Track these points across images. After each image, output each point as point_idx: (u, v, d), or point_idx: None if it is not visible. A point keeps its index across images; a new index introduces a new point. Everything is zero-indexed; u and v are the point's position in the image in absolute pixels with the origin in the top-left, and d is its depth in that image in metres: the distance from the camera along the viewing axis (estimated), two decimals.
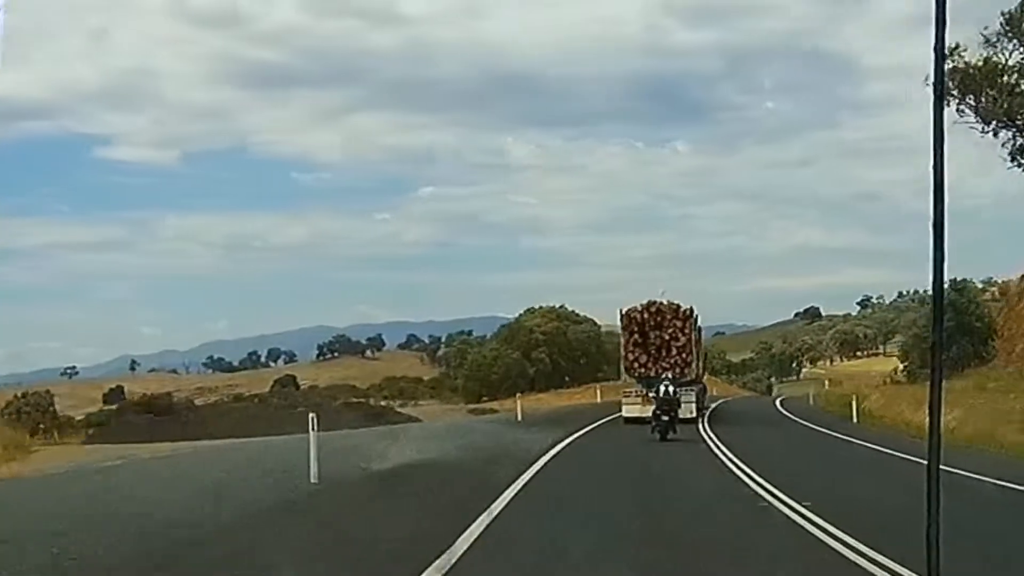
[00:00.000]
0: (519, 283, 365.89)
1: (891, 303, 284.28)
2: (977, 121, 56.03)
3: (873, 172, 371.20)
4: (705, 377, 56.14)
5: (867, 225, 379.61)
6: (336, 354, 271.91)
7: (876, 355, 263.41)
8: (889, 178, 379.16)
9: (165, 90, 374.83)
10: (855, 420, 47.21)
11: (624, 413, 41.86)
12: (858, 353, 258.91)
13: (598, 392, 79.41)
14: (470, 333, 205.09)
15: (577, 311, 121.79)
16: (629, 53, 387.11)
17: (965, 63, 55.15)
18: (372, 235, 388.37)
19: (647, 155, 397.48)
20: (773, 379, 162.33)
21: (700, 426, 40.63)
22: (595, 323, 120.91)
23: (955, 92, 54.80)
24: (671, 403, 34.58)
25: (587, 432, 38.95)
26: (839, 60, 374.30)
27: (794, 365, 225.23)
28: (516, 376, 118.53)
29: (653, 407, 34.72)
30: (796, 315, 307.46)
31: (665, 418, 33.77)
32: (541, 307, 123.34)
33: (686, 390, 39.99)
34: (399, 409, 76.28)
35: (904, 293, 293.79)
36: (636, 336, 42.32)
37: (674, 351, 41.68)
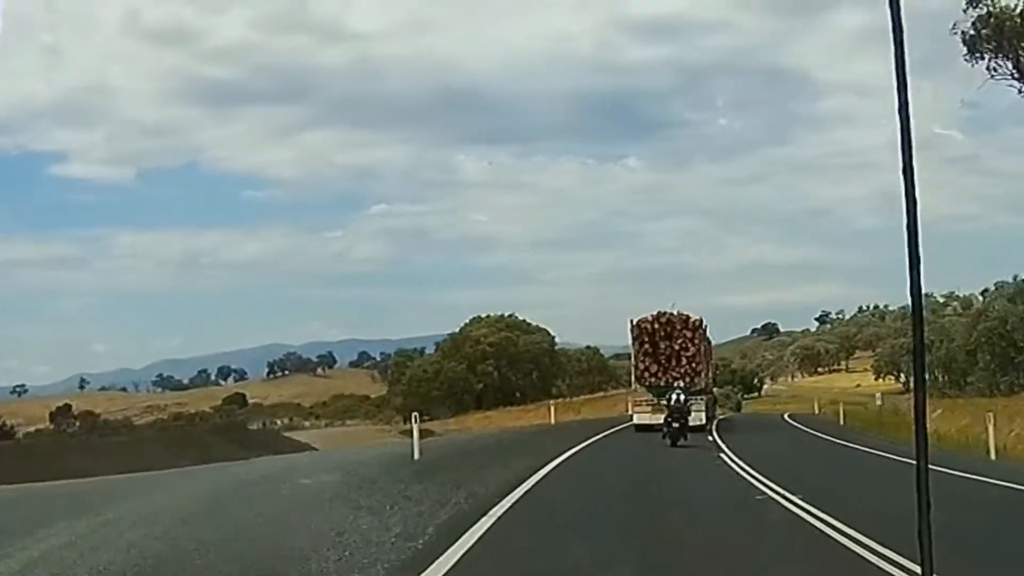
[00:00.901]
0: (472, 300, 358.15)
1: (851, 318, 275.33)
2: (1016, 78, 43.98)
3: (826, 188, 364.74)
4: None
5: (821, 241, 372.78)
6: (287, 372, 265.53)
7: (838, 371, 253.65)
8: (842, 194, 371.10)
9: (118, 107, 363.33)
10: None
11: (635, 421, 42.18)
12: (819, 369, 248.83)
13: (551, 411, 64.96)
14: (422, 351, 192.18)
15: (528, 320, 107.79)
16: (580, 69, 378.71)
17: (1001, 9, 43.51)
18: (325, 252, 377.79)
19: (599, 172, 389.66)
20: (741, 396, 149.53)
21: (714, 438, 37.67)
22: (548, 333, 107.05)
23: (988, 45, 43.14)
24: (682, 411, 34.87)
25: (537, 488, 19.57)
26: (792, 76, 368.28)
27: (756, 381, 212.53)
28: (461, 392, 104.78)
29: (665, 415, 35.05)
30: (753, 331, 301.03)
31: (676, 425, 34.30)
32: (488, 316, 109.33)
33: (696, 399, 39.58)
34: (292, 435, 61.48)
35: (864, 308, 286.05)
36: (647, 346, 42.02)
37: (684, 361, 41.41)
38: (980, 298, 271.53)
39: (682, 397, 35.24)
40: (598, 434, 39.93)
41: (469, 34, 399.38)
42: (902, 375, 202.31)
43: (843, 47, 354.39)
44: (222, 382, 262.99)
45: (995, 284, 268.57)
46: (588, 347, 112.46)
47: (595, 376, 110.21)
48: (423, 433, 76.45)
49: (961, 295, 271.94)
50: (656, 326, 42.42)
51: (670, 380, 39.81)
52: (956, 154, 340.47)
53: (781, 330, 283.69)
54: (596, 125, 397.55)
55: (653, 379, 41.60)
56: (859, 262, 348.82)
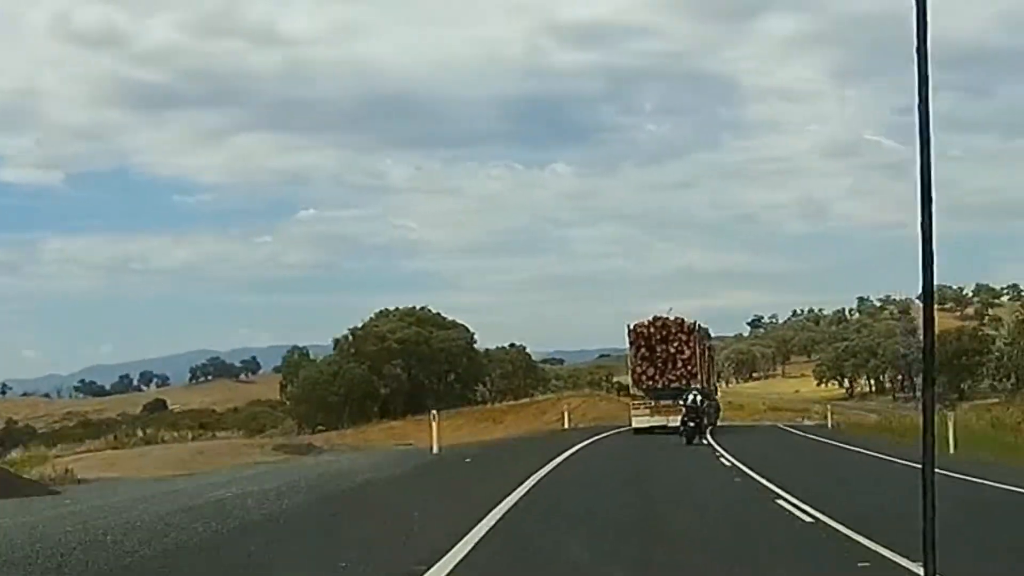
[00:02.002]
0: (402, 306, 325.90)
1: (785, 322, 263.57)
2: None
3: (754, 194, 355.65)
4: (719, 394, 52.01)
5: (749, 246, 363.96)
6: (209, 377, 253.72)
7: (774, 376, 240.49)
8: (770, 200, 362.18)
9: (48, 111, 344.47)
10: None
11: (633, 424, 42.20)
12: (755, 374, 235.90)
13: (433, 427, 48.01)
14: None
15: (443, 314, 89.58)
16: (510, 74, 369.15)
17: None
18: (253, 258, 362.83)
19: (527, 177, 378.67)
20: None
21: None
22: (466, 329, 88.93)
23: None
24: (698, 411, 36.71)
25: None
26: (720, 82, 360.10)
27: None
28: (363, 397, 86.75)
29: (682, 415, 36.17)
30: None
31: (692, 424, 36.02)
32: (398, 308, 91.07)
33: None
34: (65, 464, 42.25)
35: (799, 312, 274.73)
36: (643, 350, 42.21)
37: (679, 363, 41.60)
38: (916, 302, 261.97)
39: (698, 398, 36.92)
40: (526, 481, 21.42)
41: (399, 39, 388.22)
42: (846, 380, 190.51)
43: (771, 53, 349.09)
44: (144, 388, 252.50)
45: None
46: (513, 345, 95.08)
47: (521, 379, 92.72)
48: (293, 450, 56.21)
49: (898, 299, 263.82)
50: (652, 330, 42.14)
51: (666, 383, 40.54)
52: (888, 160, 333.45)
53: (712, 335, 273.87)
54: (525, 130, 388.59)
55: (650, 382, 41.43)
56: (787, 268, 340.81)
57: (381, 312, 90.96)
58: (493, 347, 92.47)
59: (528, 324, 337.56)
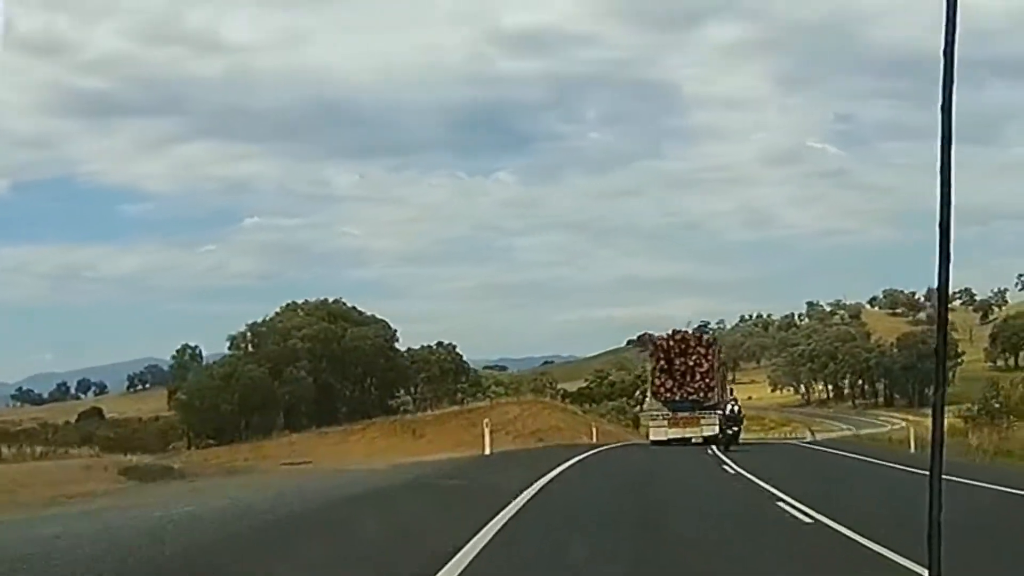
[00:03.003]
0: (312, 298, 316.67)
1: (733, 328, 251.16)
2: None
3: (697, 202, 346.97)
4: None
5: (693, 254, 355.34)
6: (147, 385, 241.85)
7: None
8: (713, 208, 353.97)
9: None
10: None
11: (651, 436, 41.57)
12: None
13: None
14: None
15: (360, 308, 74.26)
16: (453, 82, 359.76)
17: None
18: (199, 267, 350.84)
19: (471, 185, 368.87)
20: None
21: None
22: (387, 326, 73.69)
23: None
24: (735, 420, 36.44)
25: None
26: (664, 90, 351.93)
27: (637, 394, 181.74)
28: (262, 405, 71.57)
29: (719, 424, 37.02)
30: (629, 342, 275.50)
31: (730, 432, 35.92)
32: (307, 301, 75.69)
33: (709, 414, 39.81)
34: None
35: (747, 318, 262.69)
36: (662, 362, 41.57)
37: (698, 376, 40.96)
38: (868, 307, 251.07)
39: (736, 408, 37.29)
40: None
41: (342, 47, 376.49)
42: (801, 386, 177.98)
43: (714, 61, 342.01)
44: (82, 396, 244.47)
45: (883, 292, 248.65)
46: (441, 344, 79.74)
47: (451, 383, 77.78)
48: (143, 475, 40.63)
49: (848, 303, 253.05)
50: (671, 343, 41.94)
51: (685, 395, 40.44)
52: (831, 167, 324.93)
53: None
54: (469, 138, 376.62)
55: (668, 394, 41.00)
56: (732, 275, 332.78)
57: (288, 305, 75.77)
58: (418, 347, 77.66)
59: (472, 332, 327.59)
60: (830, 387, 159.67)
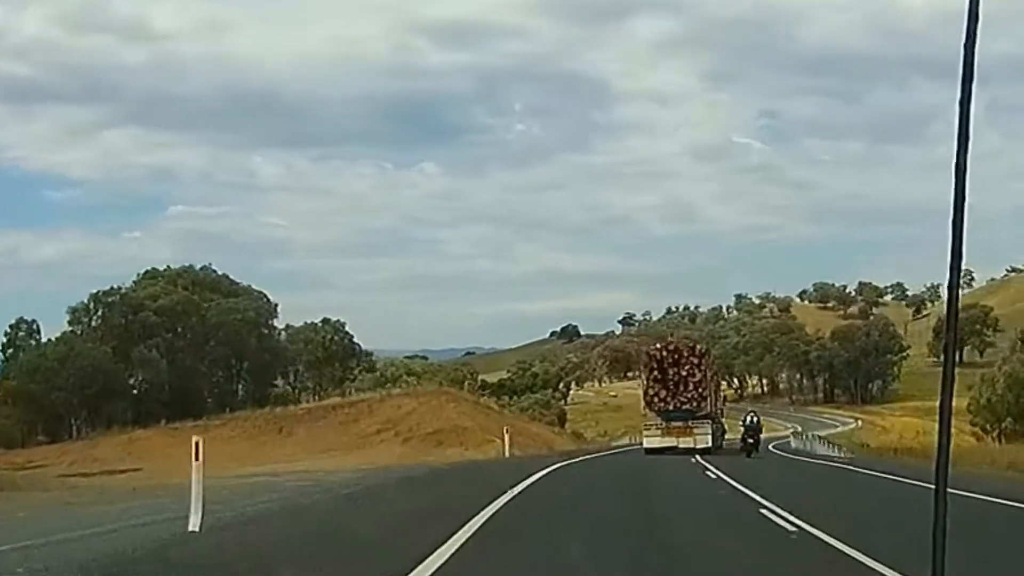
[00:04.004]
0: (175, 265, 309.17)
1: (660, 319, 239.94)
2: None
3: (623, 196, 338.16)
4: (725, 416, 50.60)
5: (618, 249, 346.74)
6: None
7: None
8: (638, 202, 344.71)
9: None
10: None
11: (645, 444, 41.22)
12: (630, 373, 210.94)
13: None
14: None
15: (232, 276, 59.43)
16: (378, 73, 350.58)
17: None
18: (122, 254, 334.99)
19: (396, 177, 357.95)
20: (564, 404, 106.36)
21: None
22: (264, 298, 59.08)
23: None
24: (755, 429, 38.12)
25: None
26: (590, 84, 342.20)
27: (561, 387, 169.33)
28: (107, 393, 56.88)
29: (741, 433, 38.60)
30: (552, 334, 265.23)
31: (751, 441, 37.44)
32: (169, 268, 60.73)
33: (701, 423, 40.25)
34: None
35: (673, 309, 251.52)
36: (656, 372, 41.28)
37: (691, 386, 40.81)
38: (798, 300, 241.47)
39: (756, 419, 39.16)
40: None
41: (266, 36, 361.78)
42: (735, 380, 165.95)
43: (641, 56, 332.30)
44: None
45: (813, 286, 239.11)
46: (327, 321, 64.84)
47: (337, 368, 63.21)
48: None
49: (778, 296, 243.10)
50: (664, 354, 41.87)
51: (678, 405, 39.92)
52: (756, 163, 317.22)
53: (582, 334, 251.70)
54: (394, 130, 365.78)
55: (662, 404, 40.58)
56: (657, 270, 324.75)
57: (148, 272, 60.80)
58: (299, 324, 63.12)
59: (395, 323, 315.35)
60: (765, 381, 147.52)
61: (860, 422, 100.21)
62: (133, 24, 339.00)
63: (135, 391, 57.11)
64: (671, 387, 40.42)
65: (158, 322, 55.58)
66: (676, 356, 41.33)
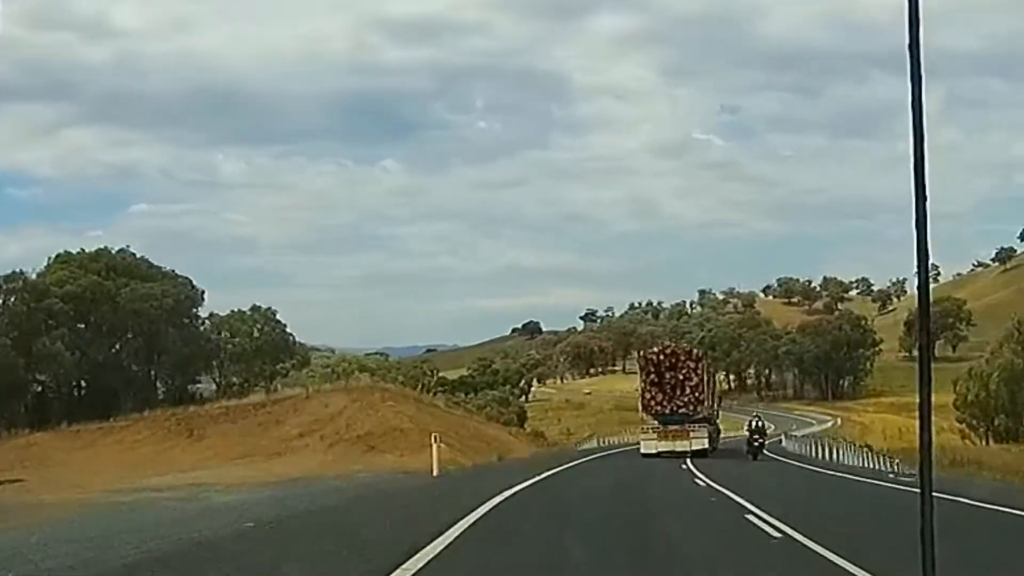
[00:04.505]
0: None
1: (623, 315, 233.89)
2: None
3: (583, 192, 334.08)
4: (720, 418, 51.67)
5: (579, 245, 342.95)
6: None
7: (614, 371, 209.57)
8: (599, 198, 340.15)
9: None
10: None
11: (641, 449, 40.13)
12: (592, 369, 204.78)
13: None
14: None
15: (152, 260, 52.26)
16: (339, 70, 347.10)
17: None
18: (85, 252, 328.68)
19: (356, 174, 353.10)
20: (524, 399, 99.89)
21: None
22: (188, 284, 51.99)
23: None
24: (761, 432, 39.97)
25: None
26: (551, 80, 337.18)
27: (522, 383, 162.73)
28: (5, 391, 49.73)
29: (748, 435, 40.19)
30: (514, 331, 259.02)
31: (756, 444, 38.95)
32: (83, 250, 53.55)
33: (698, 426, 39.86)
34: None
35: (636, 305, 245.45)
36: (652, 376, 40.91)
37: (687, 390, 40.51)
38: (762, 295, 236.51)
39: (762, 423, 41.38)
40: None
41: (227, 34, 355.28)
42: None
43: (602, 52, 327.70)
44: None
45: (777, 281, 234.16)
46: (257, 308, 57.54)
47: (268, 363, 56.14)
48: None
49: (742, 291, 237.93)
50: (661, 358, 41.65)
51: (675, 409, 39.60)
52: (717, 159, 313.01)
53: (543, 330, 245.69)
54: (355, 127, 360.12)
55: (659, 407, 40.22)
56: (618, 266, 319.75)
57: (59, 256, 53.65)
58: (225, 312, 56.01)
59: (356, 321, 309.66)
60: (732, 377, 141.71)
61: (839, 420, 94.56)
62: (94, 21, 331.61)
63: (38, 389, 49.88)
64: (668, 391, 40.27)
65: (65, 310, 48.38)
66: (673, 360, 41.28)
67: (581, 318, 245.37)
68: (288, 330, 56.67)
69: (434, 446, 26.71)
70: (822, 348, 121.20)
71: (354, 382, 41.27)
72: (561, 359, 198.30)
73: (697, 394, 40.64)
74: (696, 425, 39.60)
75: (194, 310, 52.03)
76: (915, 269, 2.54)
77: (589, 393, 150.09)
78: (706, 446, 39.63)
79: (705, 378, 42.52)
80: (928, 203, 2.54)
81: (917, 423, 2.58)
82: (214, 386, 52.42)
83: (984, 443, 69.93)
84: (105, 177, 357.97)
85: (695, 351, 45.53)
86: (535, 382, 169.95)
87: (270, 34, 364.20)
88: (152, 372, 51.03)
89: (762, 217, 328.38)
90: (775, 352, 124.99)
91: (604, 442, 56.20)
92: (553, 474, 24.39)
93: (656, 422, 40.11)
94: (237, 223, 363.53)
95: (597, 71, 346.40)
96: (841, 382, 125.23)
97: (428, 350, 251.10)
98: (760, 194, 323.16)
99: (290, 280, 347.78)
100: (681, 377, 40.48)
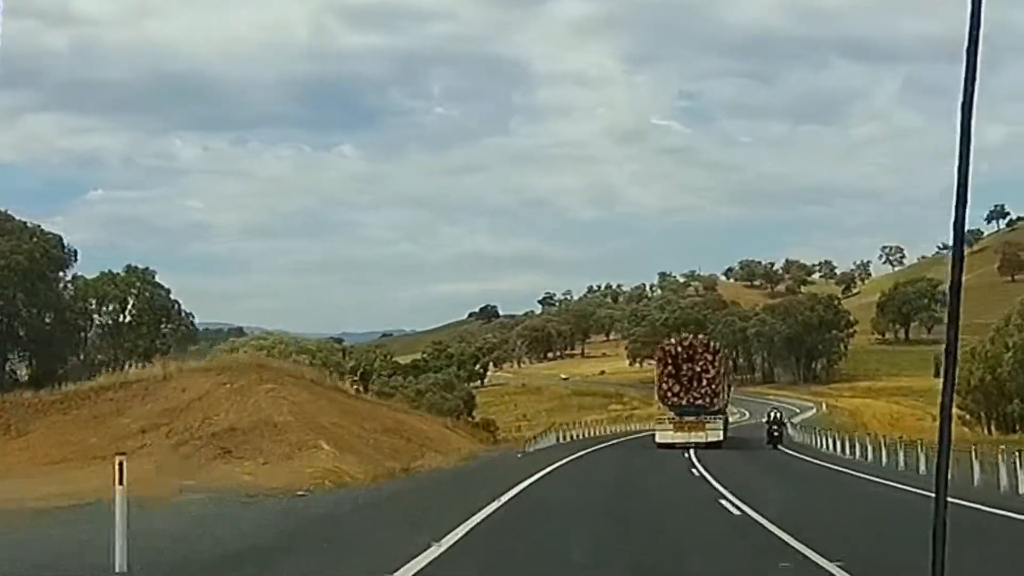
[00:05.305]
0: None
1: (581, 299, 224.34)
2: None
3: (544, 179, 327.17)
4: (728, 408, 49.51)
5: (538, 231, 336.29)
6: None
7: (573, 355, 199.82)
8: (559, 185, 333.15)
9: None
10: None
11: (657, 439, 40.06)
12: (550, 353, 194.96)
13: None
14: None
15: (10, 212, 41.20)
16: (297, 56, 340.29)
17: None
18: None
19: (314, 160, 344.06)
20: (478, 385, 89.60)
21: None
22: (56, 244, 40.98)
23: None
24: (780, 423, 42.84)
25: None
26: (511, 66, 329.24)
27: (477, 367, 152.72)
28: None
29: (766, 427, 43.28)
30: (471, 315, 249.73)
31: (776, 434, 41.87)
32: None
33: (714, 418, 39.69)
34: None
35: (595, 288, 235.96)
36: (670, 367, 40.59)
37: (704, 382, 40.23)
38: (723, 278, 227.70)
39: (780, 414, 44.29)
40: None
41: (187, 20, 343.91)
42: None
43: (562, 38, 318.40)
44: None
45: (739, 264, 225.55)
46: (131, 269, 46.17)
47: (144, 338, 45.05)
48: None
49: (703, 275, 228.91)
50: (679, 349, 41.55)
51: (691, 400, 39.51)
52: (676, 144, 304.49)
53: (500, 314, 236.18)
54: (313, 112, 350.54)
55: (675, 399, 39.93)
56: (577, 252, 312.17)
57: None
58: (94, 274, 45.10)
59: (315, 306, 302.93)
60: None
61: (823, 405, 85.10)
62: (58, 8, 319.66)
63: None
64: (685, 383, 40.01)
65: None
66: (691, 352, 41.00)
67: (539, 302, 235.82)
68: (172, 296, 45.85)
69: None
70: (794, 329, 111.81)
71: (233, 360, 30.63)
72: (518, 343, 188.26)
73: (714, 386, 40.17)
74: (712, 417, 39.28)
75: (62, 273, 41.33)
76: (948, 275, 2.56)
77: (567, 378, 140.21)
78: (720, 438, 39.25)
79: (722, 371, 42.38)
80: (968, 207, 2.42)
81: (937, 423, 2.49)
82: (80, 363, 41.46)
83: (986, 432, 61.12)
84: (65, 163, 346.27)
85: (713, 344, 44.57)
86: (491, 366, 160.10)
87: (229, 20, 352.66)
88: (7, 348, 40.25)
89: (722, 203, 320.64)
90: (744, 334, 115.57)
91: (566, 436, 46.11)
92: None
93: (672, 413, 39.93)
94: (195, 209, 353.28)
95: (557, 57, 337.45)
96: (814, 365, 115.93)
97: (383, 335, 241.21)
98: (720, 180, 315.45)
99: (249, 266, 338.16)
100: (698, 369, 40.19)
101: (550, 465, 23.29)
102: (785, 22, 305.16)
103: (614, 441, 45.92)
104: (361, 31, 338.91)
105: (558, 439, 42.73)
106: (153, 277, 45.40)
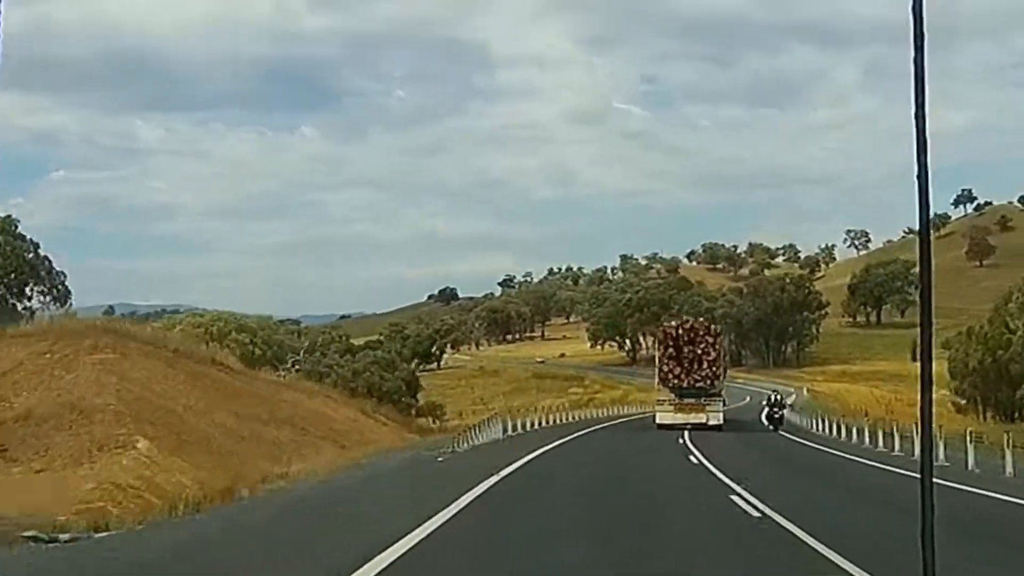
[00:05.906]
0: (153, 270, 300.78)
1: (542, 281, 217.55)
2: None
3: (503, 160, 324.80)
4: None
5: (498, 212, 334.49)
6: None
7: (533, 337, 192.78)
8: (518, 166, 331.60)
9: None
10: None
11: (657, 420, 40.53)
12: (509, 336, 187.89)
13: None
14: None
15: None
16: (258, 37, 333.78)
17: None
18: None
19: (275, 141, 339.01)
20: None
21: None
22: None
23: None
24: (780, 405, 43.67)
25: None
26: (471, 48, 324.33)
27: (435, 350, 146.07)
28: None
29: (767, 408, 44.48)
30: (430, 297, 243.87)
31: (776, 416, 42.58)
32: None
33: (713, 400, 40.07)
34: None
35: (556, 270, 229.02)
36: (671, 350, 40.82)
37: (705, 364, 40.44)
38: (686, 261, 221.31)
39: (780, 396, 45.41)
40: None
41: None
42: (627, 341, 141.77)
43: (522, 20, 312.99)
44: None
45: (702, 247, 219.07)
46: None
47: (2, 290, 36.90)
48: None
49: (665, 257, 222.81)
50: (680, 331, 41.60)
51: (692, 382, 39.70)
52: (636, 128, 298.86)
53: (460, 296, 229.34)
54: (274, 94, 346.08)
55: (676, 380, 40.16)
56: (537, 233, 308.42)
57: None
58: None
59: (275, 288, 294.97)
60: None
61: (804, 390, 78.88)
62: None
63: None
64: (685, 364, 39.97)
65: None
66: (692, 335, 40.95)
67: (500, 284, 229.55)
68: (42, 252, 37.85)
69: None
70: (763, 311, 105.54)
71: (72, 324, 23.12)
72: (477, 324, 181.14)
73: (714, 369, 40.23)
74: (711, 399, 39.51)
75: None
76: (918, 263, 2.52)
77: (543, 361, 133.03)
78: (721, 421, 39.51)
79: (722, 354, 42.18)
80: (930, 183, 2.51)
81: (918, 412, 2.56)
82: None
83: (982, 419, 54.97)
84: (25, 144, 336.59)
85: (714, 327, 44.27)
86: (449, 348, 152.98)
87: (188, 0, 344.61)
88: None
89: (683, 186, 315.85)
90: (711, 315, 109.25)
91: (517, 425, 37.56)
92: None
93: (673, 395, 40.02)
94: (157, 190, 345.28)
95: (517, 39, 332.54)
96: (784, 348, 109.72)
97: (341, 317, 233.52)
98: (680, 164, 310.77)
99: (211, 247, 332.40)
100: (699, 352, 40.08)
101: (476, 485, 14.28)
102: (743, 5, 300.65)
103: (579, 433, 36.26)
104: (321, 12, 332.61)
105: (505, 429, 33.32)
106: (15, 227, 37.10)
